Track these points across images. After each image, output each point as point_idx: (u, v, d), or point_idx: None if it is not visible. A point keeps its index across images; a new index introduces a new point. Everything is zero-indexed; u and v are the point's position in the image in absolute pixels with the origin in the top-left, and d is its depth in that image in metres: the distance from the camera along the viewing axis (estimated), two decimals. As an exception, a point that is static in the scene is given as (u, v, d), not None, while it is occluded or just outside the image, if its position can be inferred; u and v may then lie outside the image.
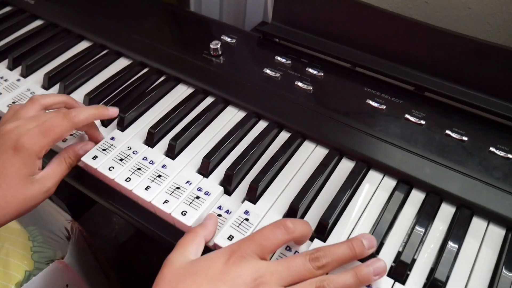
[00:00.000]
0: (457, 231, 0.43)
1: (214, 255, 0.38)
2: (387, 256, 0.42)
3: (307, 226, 0.42)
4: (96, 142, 0.53)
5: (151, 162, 0.51)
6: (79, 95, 0.61)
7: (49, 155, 0.50)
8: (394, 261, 0.42)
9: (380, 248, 0.43)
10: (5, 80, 0.64)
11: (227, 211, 0.47)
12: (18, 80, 0.64)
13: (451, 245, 0.42)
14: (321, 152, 0.52)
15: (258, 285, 0.35)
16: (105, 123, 0.57)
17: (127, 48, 0.65)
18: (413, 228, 0.44)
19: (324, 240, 0.44)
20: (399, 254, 0.42)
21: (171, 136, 0.53)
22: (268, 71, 0.59)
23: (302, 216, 0.46)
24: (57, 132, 0.47)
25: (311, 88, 0.57)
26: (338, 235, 0.44)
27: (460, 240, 0.43)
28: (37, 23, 0.75)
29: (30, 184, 0.46)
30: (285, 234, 0.39)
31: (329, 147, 0.52)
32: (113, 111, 0.54)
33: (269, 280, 0.36)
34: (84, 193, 0.55)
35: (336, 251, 0.39)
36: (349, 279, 0.37)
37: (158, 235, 0.48)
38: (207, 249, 0.46)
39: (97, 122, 0.57)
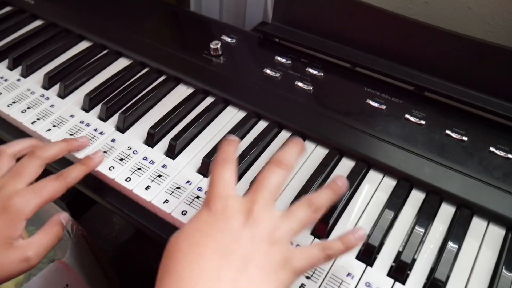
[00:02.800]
0: (457, 231, 0.43)
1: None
2: (387, 256, 0.42)
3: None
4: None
5: (151, 162, 0.51)
6: (79, 95, 0.61)
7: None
8: (394, 261, 0.42)
9: (380, 248, 0.43)
10: (5, 80, 0.64)
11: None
12: (18, 80, 0.64)
13: (451, 245, 0.42)
14: (321, 152, 0.52)
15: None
16: (104, 120, 0.57)
17: (127, 48, 0.65)
18: (413, 228, 0.44)
19: (324, 240, 0.44)
20: (399, 254, 0.42)
21: (171, 136, 0.53)
22: (268, 71, 0.59)
23: (302, 216, 0.46)
24: (50, 193, 0.45)
25: (311, 88, 0.57)
26: (338, 234, 0.44)
27: (460, 240, 0.43)
28: (37, 23, 0.75)
29: (7, 249, 0.42)
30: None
31: (329, 147, 0.52)
32: (99, 157, 0.51)
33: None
34: (84, 193, 0.55)
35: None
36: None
37: (158, 235, 0.48)
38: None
39: (97, 123, 0.57)
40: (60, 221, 0.48)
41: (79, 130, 0.56)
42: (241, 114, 0.57)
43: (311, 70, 0.59)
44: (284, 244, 0.36)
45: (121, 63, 0.66)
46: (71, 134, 0.55)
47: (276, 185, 0.39)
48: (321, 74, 0.59)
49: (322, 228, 0.44)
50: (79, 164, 0.50)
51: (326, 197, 0.40)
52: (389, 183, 0.49)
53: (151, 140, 0.54)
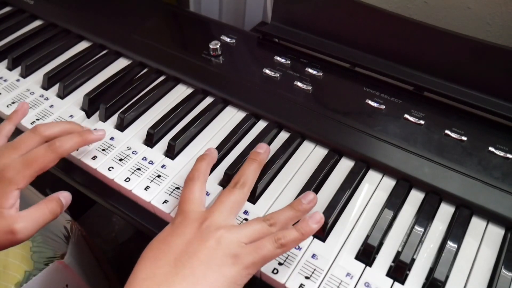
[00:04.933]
0: (456, 231, 0.43)
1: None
2: (386, 256, 0.42)
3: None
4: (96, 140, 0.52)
5: (150, 162, 0.51)
6: (78, 95, 0.61)
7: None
8: (393, 261, 0.42)
9: (379, 247, 0.43)
10: (5, 80, 0.64)
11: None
12: (18, 80, 0.64)
13: (451, 244, 0.42)
14: (320, 152, 0.52)
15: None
16: (104, 121, 0.57)
17: (127, 48, 0.65)
18: (412, 227, 0.44)
19: (324, 240, 0.44)
20: (398, 253, 0.42)
21: (171, 136, 0.53)
22: (267, 71, 0.59)
23: (302, 216, 0.46)
24: (40, 163, 0.45)
25: (310, 88, 0.57)
26: (337, 234, 0.44)
27: (459, 240, 0.43)
28: (37, 23, 0.75)
29: None
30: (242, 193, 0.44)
31: (329, 147, 0.52)
32: (99, 134, 0.51)
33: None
34: (83, 193, 0.55)
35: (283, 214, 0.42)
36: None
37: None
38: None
39: (98, 122, 0.57)
40: (58, 198, 0.47)
41: (78, 130, 0.56)
42: (241, 114, 0.57)
43: (310, 70, 0.59)
44: (233, 243, 0.38)
45: (121, 63, 0.66)
46: (70, 134, 0.55)
47: (235, 202, 0.43)
48: (321, 74, 0.59)
49: (322, 227, 0.44)
50: (75, 135, 0.49)
51: (287, 214, 0.42)
52: (389, 183, 0.49)
53: (151, 140, 0.54)
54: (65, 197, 0.48)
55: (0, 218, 0.43)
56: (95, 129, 0.53)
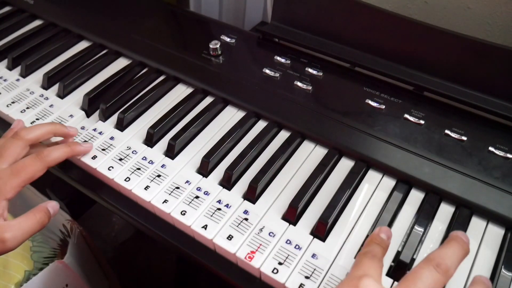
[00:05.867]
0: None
1: None
2: (386, 256, 0.42)
3: None
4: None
5: (150, 162, 0.51)
6: (78, 95, 0.61)
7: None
8: (393, 261, 0.42)
9: (379, 247, 0.43)
10: (5, 80, 0.64)
11: (226, 205, 0.47)
12: (18, 80, 0.64)
13: (450, 244, 0.42)
14: (320, 152, 0.52)
15: None
16: (104, 120, 0.57)
17: (127, 48, 0.65)
18: (412, 227, 0.44)
19: (324, 240, 0.44)
20: (398, 253, 0.42)
21: (171, 136, 0.53)
22: (267, 71, 0.59)
23: (301, 215, 0.46)
24: (28, 172, 0.45)
25: (310, 88, 0.57)
26: (337, 234, 0.44)
27: (459, 240, 0.43)
28: (37, 23, 0.75)
29: None
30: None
31: (329, 146, 0.52)
32: (86, 146, 0.51)
33: None
34: (84, 193, 0.55)
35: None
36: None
37: (157, 235, 0.48)
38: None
39: (98, 122, 0.57)
40: (46, 208, 0.47)
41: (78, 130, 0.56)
42: (241, 114, 0.57)
43: (310, 70, 0.59)
44: None
45: (121, 63, 0.66)
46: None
47: None
48: (321, 74, 0.59)
49: (322, 227, 0.44)
50: (63, 145, 0.49)
51: (456, 254, 0.36)
52: (388, 183, 0.49)
53: (150, 140, 0.54)
54: (52, 207, 0.48)
55: None
56: (94, 130, 0.53)
